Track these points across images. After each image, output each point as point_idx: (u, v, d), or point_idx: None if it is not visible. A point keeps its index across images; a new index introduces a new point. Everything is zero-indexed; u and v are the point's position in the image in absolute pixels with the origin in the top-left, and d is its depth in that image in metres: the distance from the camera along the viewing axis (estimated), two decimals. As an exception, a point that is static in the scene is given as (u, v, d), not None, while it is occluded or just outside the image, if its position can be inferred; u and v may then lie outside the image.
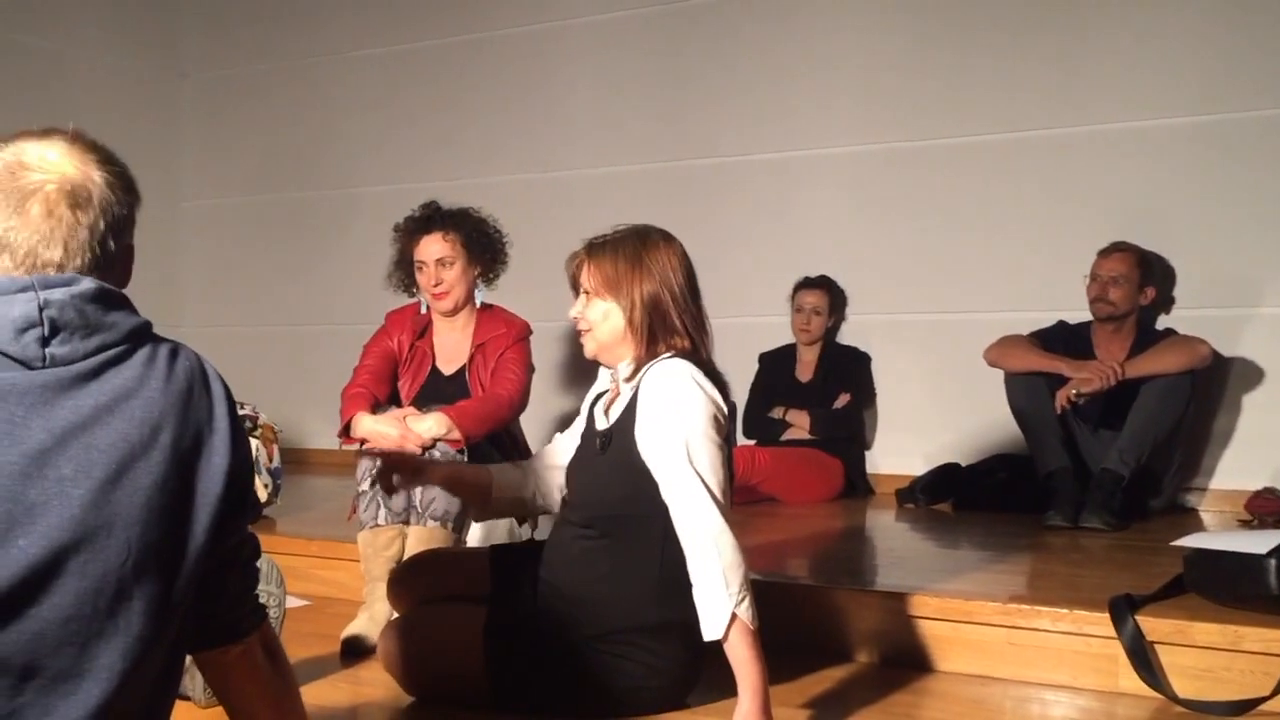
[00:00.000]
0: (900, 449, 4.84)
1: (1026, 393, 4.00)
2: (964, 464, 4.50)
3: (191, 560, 1.36)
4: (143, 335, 1.38)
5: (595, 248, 2.30)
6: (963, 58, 4.79)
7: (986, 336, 4.17)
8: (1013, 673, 2.55)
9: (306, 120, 6.27)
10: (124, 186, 1.42)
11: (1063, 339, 4.16)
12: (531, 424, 3.58)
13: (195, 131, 6.56)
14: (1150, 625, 2.40)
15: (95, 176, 1.38)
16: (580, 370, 5.00)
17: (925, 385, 4.83)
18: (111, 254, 1.39)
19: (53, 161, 1.37)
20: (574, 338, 2.52)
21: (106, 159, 1.41)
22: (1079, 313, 4.25)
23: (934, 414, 4.79)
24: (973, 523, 4.11)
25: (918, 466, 4.60)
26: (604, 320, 2.27)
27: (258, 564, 1.58)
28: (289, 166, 6.29)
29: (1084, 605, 2.53)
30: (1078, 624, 2.49)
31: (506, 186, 5.44)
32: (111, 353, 1.33)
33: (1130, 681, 2.40)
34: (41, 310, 1.29)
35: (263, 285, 6.34)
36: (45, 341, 1.29)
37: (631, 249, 2.27)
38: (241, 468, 1.43)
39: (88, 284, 1.34)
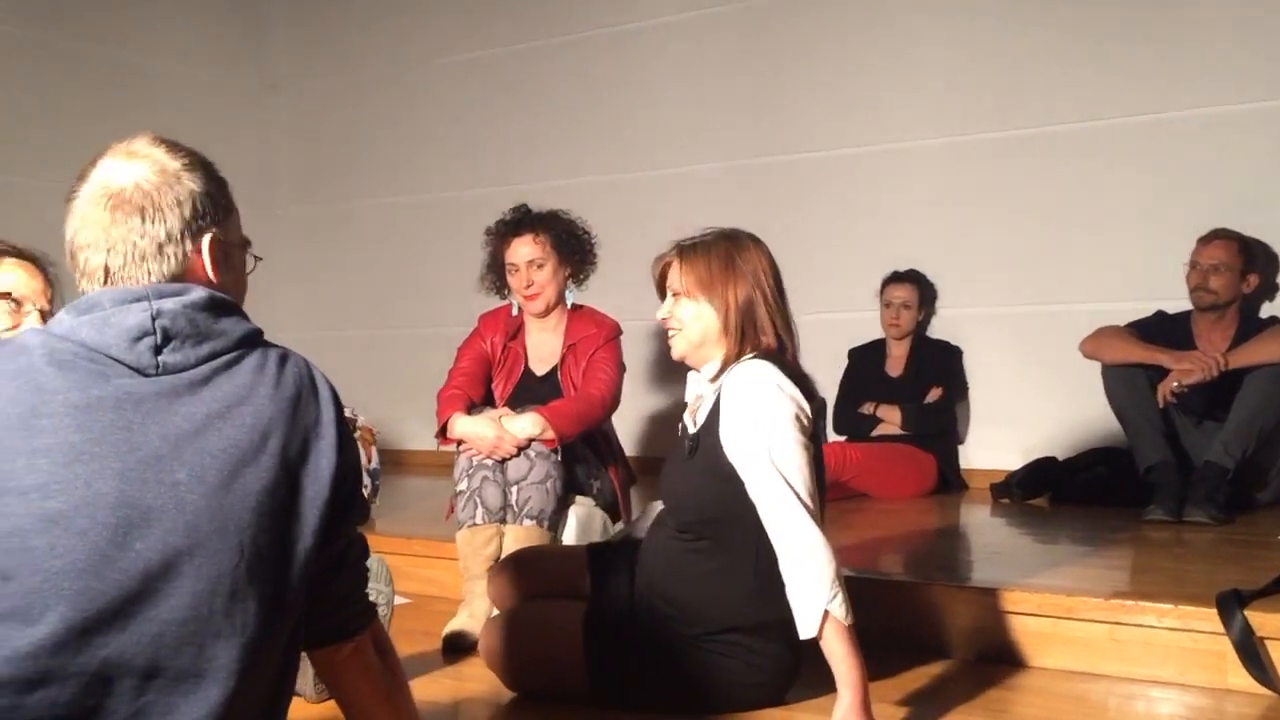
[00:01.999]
0: (994, 443, 4.78)
1: (1126, 385, 3.92)
2: (1061, 458, 4.42)
3: (301, 562, 1.39)
4: (253, 341, 1.42)
5: (686, 249, 2.32)
6: (1052, 43, 4.71)
7: (1082, 328, 4.10)
8: (1116, 669, 2.51)
9: (394, 127, 6.38)
10: (208, 191, 1.43)
11: (1162, 329, 4.07)
12: (621, 422, 3.60)
13: (287, 141, 6.72)
14: (1260, 620, 2.35)
15: (147, 179, 1.39)
16: (668, 368, 5.03)
17: (1020, 378, 4.75)
18: (161, 251, 1.39)
19: (109, 167, 1.40)
20: (662, 335, 2.54)
21: (174, 157, 1.42)
22: (1179, 302, 4.15)
23: (1029, 407, 4.72)
24: (1070, 517, 4.04)
25: (1013, 461, 4.53)
26: (696, 320, 2.28)
27: (367, 564, 1.62)
28: (378, 173, 6.41)
29: (1190, 600, 2.48)
30: (1184, 620, 2.44)
31: (591, 187, 5.49)
32: (222, 359, 1.37)
33: (1240, 678, 2.34)
34: (154, 319, 1.33)
35: (355, 289, 6.47)
36: (158, 350, 1.33)
37: (724, 251, 2.29)
38: (348, 471, 1.46)
39: (199, 293, 1.38)
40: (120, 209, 1.38)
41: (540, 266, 3.32)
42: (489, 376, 3.42)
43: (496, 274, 3.45)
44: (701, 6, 5.48)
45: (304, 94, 6.71)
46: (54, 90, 5.60)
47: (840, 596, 2.04)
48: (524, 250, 3.32)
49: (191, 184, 1.41)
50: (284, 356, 1.44)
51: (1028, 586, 2.69)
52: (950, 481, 4.68)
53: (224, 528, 1.30)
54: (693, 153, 5.47)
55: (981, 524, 4.09)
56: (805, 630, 2.04)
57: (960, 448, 4.84)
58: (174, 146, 1.45)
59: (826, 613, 2.02)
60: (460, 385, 3.32)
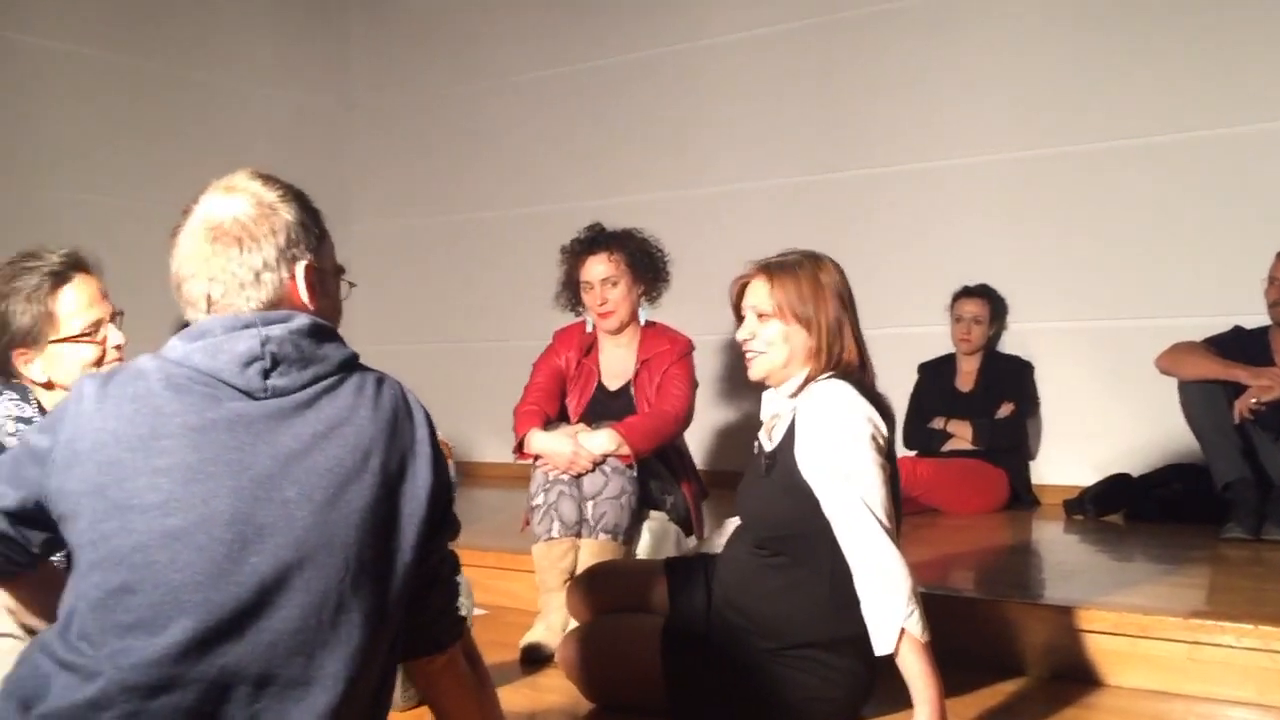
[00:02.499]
0: (1067, 459, 4.75)
1: (1202, 401, 3.87)
2: (1135, 474, 4.39)
3: (401, 576, 1.45)
4: (351, 366, 1.49)
5: (774, 270, 2.31)
6: (1124, 58, 4.68)
7: (1157, 343, 4.06)
8: (1195, 689, 2.50)
9: (468, 144, 6.50)
10: (302, 221, 1.50)
11: (1239, 345, 4.01)
12: (691, 436, 3.63)
13: (363, 158, 6.87)
14: (1342, 642, 2.33)
15: (244, 212, 1.47)
16: (737, 383, 5.06)
17: (1093, 394, 4.72)
18: (290, 282, 1.47)
19: (211, 202, 1.48)
20: (731, 349, 2.56)
21: (270, 189, 1.50)
22: (1256, 317, 4.09)
23: (1103, 423, 4.68)
24: (1146, 535, 4.00)
25: (1086, 477, 4.51)
26: (784, 342, 2.28)
27: (457, 579, 1.68)
28: (452, 189, 6.53)
29: (1270, 620, 2.46)
30: (1265, 640, 2.43)
31: (659, 204, 5.55)
32: (325, 383, 1.44)
33: (1322, 700, 2.33)
34: (263, 345, 1.41)
35: (429, 304, 6.59)
36: (267, 374, 1.40)
37: (810, 271, 2.29)
38: (442, 489, 1.52)
39: (303, 320, 1.45)
40: (219, 240, 1.45)
41: (614, 284, 3.37)
42: (563, 392, 3.48)
43: (571, 291, 3.51)
44: (768, 24, 5.52)
45: (380, 113, 6.85)
46: (144, 112, 5.79)
47: (917, 613, 2.06)
48: (598, 268, 3.37)
49: (286, 214, 1.49)
50: (380, 380, 1.51)
51: (1104, 605, 2.68)
52: (1022, 497, 4.65)
53: (330, 543, 1.37)
54: (760, 169, 5.51)
55: (1055, 541, 4.06)
56: (881, 647, 2.06)
57: (1032, 463, 4.82)
58: (270, 180, 1.52)
59: (903, 630, 2.04)
60: (536, 401, 3.38)
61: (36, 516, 1.42)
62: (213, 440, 1.36)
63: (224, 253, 1.45)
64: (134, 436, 1.35)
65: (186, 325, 2.29)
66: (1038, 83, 4.86)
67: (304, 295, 1.50)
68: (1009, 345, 4.92)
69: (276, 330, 1.42)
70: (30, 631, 1.58)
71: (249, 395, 1.39)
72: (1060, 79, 4.81)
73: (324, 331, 1.48)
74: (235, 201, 1.48)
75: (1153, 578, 3.26)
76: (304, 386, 1.42)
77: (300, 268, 1.49)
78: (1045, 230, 4.85)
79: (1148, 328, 4.41)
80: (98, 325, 2.12)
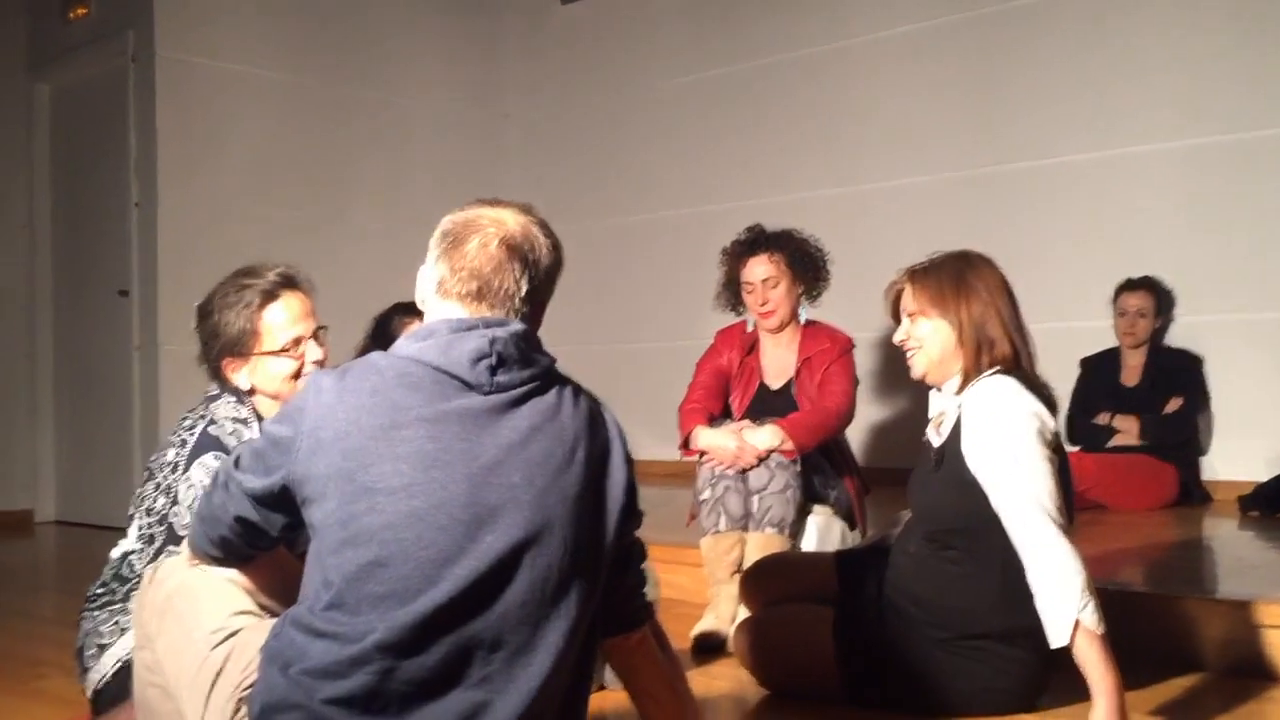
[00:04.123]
0: (1240, 454, 4.61)
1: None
2: (1314, 470, 4.25)
3: (606, 557, 1.60)
4: (554, 372, 1.64)
5: (918, 273, 2.41)
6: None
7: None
8: (1381, 686, 2.44)
9: (619, 150, 6.64)
10: (552, 249, 1.65)
11: None
12: (851, 433, 3.65)
13: (517, 165, 7.07)
14: None
15: (533, 235, 1.63)
16: (896, 380, 5.06)
17: (1268, 387, 4.58)
18: (526, 298, 1.62)
19: (499, 216, 1.63)
20: (889, 345, 2.61)
21: (544, 227, 1.66)
22: None
23: (1278, 417, 4.53)
24: (1326, 531, 3.88)
25: (1260, 472, 4.38)
26: (934, 335, 2.35)
27: (645, 564, 1.80)
28: (607, 194, 6.68)
29: None
30: None
31: (817, 202, 5.59)
32: (536, 384, 1.59)
33: None
34: (491, 344, 1.55)
35: (588, 307, 6.74)
36: (494, 370, 1.55)
37: (953, 269, 2.37)
38: (633, 482, 1.67)
39: (517, 325, 1.60)
40: (513, 253, 1.60)
41: (775, 285, 3.44)
42: (726, 390, 3.56)
43: (732, 292, 3.58)
44: (920, 19, 5.50)
45: (532, 121, 7.06)
46: (314, 130, 6.12)
47: (1091, 606, 2.07)
48: (759, 269, 3.44)
49: (555, 256, 1.66)
50: (577, 387, 1.66)
51: (1284, 600, 2.64)
52: (1192, 493, 4.55)
53: (550, 525, 1.51)
54: (917, 164, 5.50)
55: (1229, 537, 3.97)
56: (1056, 639, 2.08)
57: (1203, 459, 4.70)
58: (542, 222, 1.68)
59: (1078, 622, 2.06)
60: (700, 399, 3.47)
61: (280, 501, 1.58)
62: (446, 430, 1.50)
63: (513, 264, 1.60)
64: (375, 426, 1.50)
65: (378, 333, 2.52)
66: (1207, 67, 4.74)
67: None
68: (1176, 338, 4.81)
69: (500, 332, 1.57)
70: (265, 611, 1.74)
71: (475, 390, 1.54)
72: (1231, 62, 4.68)
73: (535, 339, 1.63)
74: (528, 229, 1.63)
75: (1336, 574, 3.18)
76: (521, 385, 1.57)
77: (544, 301, 1.67)
78: (1214, 220, 4.72)
79: (1326, 318, 4.27)
80: (298, 341, 2.27)
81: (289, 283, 2.30)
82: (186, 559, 1.77)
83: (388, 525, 1.47)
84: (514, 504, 1.50)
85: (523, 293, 1.61)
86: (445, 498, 1.48)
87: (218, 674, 1.62)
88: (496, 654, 1.48)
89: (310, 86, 6.11)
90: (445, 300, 1.61)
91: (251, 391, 2.29)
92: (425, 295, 1.65)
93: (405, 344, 1.59)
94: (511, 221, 1.62)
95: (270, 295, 2.26)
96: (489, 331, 1.56)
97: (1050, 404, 2.28)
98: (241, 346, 2.24)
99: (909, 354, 2.41)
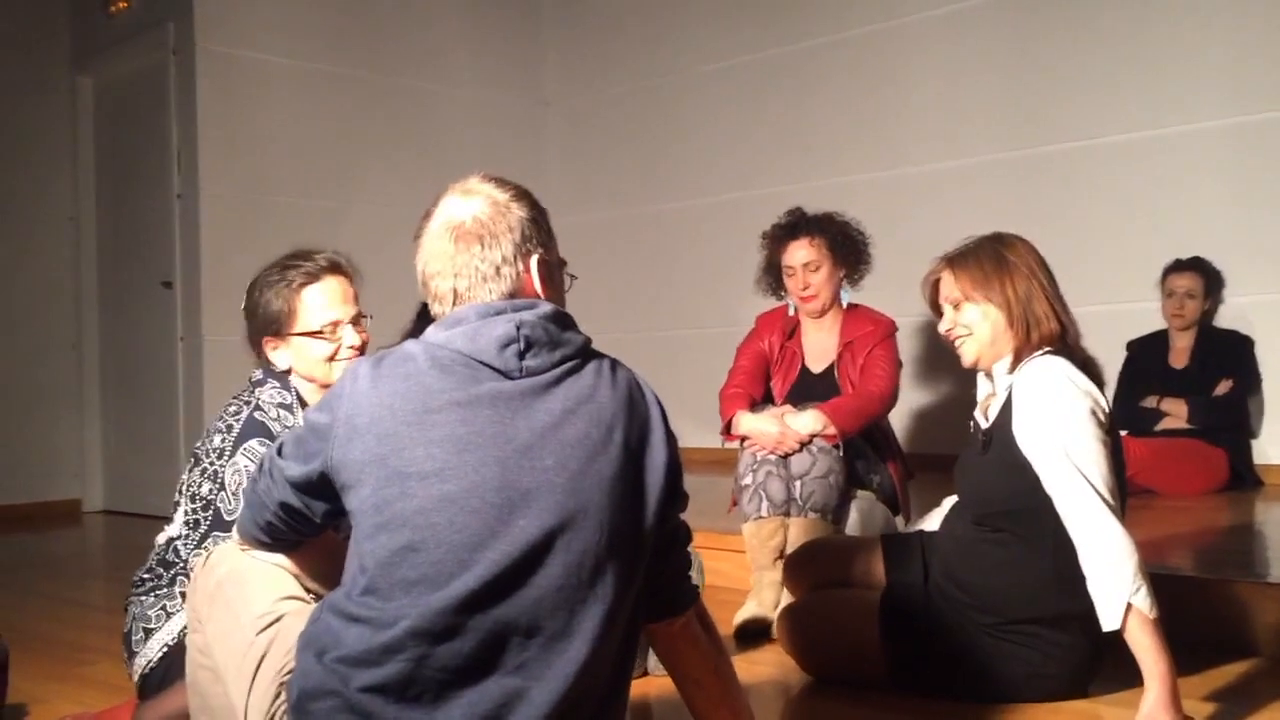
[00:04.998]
0: (1293, 437, 4.53)
1: None
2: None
3: (646, 540, 1.57)
4: (589, 350, 1.61)
5: (955, 259, 2.36)
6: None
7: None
8: None
9: (659, 136, 6.61)
10: (533, 218, 1.61)
11: None
12: (894, 417, 3.62)
13: (558, 153, 7.07)
14: None
15: (481, 212, 1.58)
16: (939, 365, 5.02)
17: (1320, 369, 4.49)
18: (525, 274, 1.59)
19: (448, 206, 1.60)
20: (931, 330, 2.57)
21: (502, 190, 1.61)
22: None
23: (1332, 400, 4.45)
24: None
25: (1315, 456, 4.30)
26: (983, 320, 2.31)
27: (689, 548, 1.78)
28: (647, 180, 6.66)
29: None
30: None
31: (858, 186, 5.54)
32: (569, 365, 1.56)
33: None
34: (518, 329, 1.53)
35: (629, 294, 6.74)
36: (522, 355, 1.53)
37: (991, 250, 2.33)
38: (675, 462, 1.63)
39: (546, 307, 1.57)
40: (462, 239, 1.58)
41: (816, 269, 3.40)
42: (768, 375, 3.53)
43: (773, 276, 3.55)
44: (960, 0, 5.43)
45: (572, 108, 7.05)
46: (353, 119, 6.15)
47: (1144, 589, 2.04)
48: (800, 253, 3.41)
49: (519, 212, 1.61)
50: (614, 364, 1.63)
51: (1340, 584, 2.59)
52: (1244, 477, 4.47)
53: (585, 508, 1.48)
54: (959, 146, 5.43)
55: (1281, 522, 3.90)
56: (1108, 623, 2.05)
57: (1254, 442, 4.61)
58: (501, 181, 1.64)
59: (1130, 605, 2.02)
60: (741, 384, 3.44)
61: (320, 487, 1.58)
62: (477, 414, 1.49)
63: (467, 250, 1.57)
64: (408, 411, 1.49)
65: (422, 318, 2.49)
66: (1254, 44, 4.65)
67: (537, 286, 1.61)
68: (1226, 319, 4.72)
69: (528, 316, 1.54)
70: (314, 595, 1.75)
71: (505, 375, 1.52)
72: (1277, 38, 4.58)
73: (565, 318, 1.59)
74: (473, 203, 1.60)
75: (1394, 559, 3.11)
76: (553, 367, 1.54)
77: (534, 261, 1.61)
78: (1263, 199, 4.63)
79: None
80: (335, 325, 2.27)
81: (334, 267, 2.31)
82: (237, 544, 1.78)
83: (420, 510, 1.45)
84: (547, 487, 1.47)
85: (491, 272, 1.57)
86: (477, 481, 1.46)
87: (261, 658, 1.63)
88: (532, 640, 1.45)
89: (349, 76, 6.13)
90: (434, 302, 1.61)
91: (289, 372, 2.30)
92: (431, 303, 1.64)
93: (435, 331, 1.57)
94: (458, 208, 1.59)
95: (312, 277, 2.27)
96: (516, 315, 1.53)
97: (1099, 380, 2.24)
98: (279, 325, 2.26)
99: (957, 343, 2.37)
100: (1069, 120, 5.11)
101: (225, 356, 5.14)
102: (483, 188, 1.62)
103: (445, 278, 1.58)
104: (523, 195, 1.64)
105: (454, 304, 1.59)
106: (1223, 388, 4.51)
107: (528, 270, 1.60)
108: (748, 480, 3.20)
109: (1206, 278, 4.63)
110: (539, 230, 1.63)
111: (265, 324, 2.28)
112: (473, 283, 1.57)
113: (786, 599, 2.90)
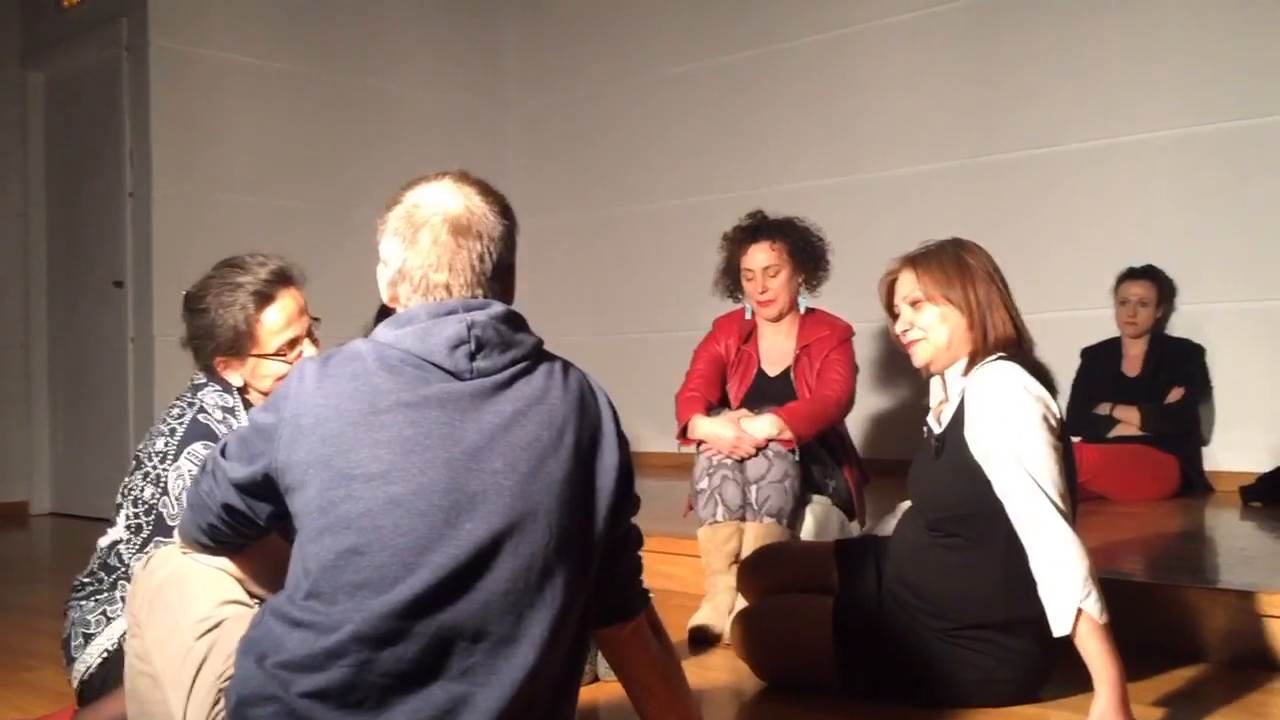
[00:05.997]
0: (1242, 444, 4.59)
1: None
2: (1316, 460, 4.22)
3: (595, 544, 1.55)
4: (541, 351, 1.59)
5: (918, 259, 2.36)
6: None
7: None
8: (1388, 677, 2.42)
9: (619, 139, 6.60)
10: (501, 214, 1.59)
11: None
12: (850, 422, 3.62)
13: (517, 156, 7.04)
14: None
15: (476, 208, 1.57)
16: (896, 370, 5.04)
17: (1270, 376, 4.55)
18: (492, 273, 1.57)
19: (440, 199, 1.57)
20: (887, 334, 2.57)
21: (486, 191, 1.60)
22: None
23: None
24: (1329, 522, 3.85)
25: (1263, 462, 4.35)
26: (941, 323, 2.31)
27: (639, 552, 1.76)
28: (608, 183, 6.65)
29: None
30: None
31: (817, 191, 5.55)
32: (521, 366, 1.54)
33: None
34: (469, 329, 1.50)
35: (588, 298, 6.72)
36: (473, 356, 1.50)
37: (952, 253, 2.34)
38: (627, 465, 1.61)
39: (498, 307, 1.55)
40: (461, 235, 1.54)
41: (775, 274, 3.40)
42: (724, 378, 3.52)
43: (731, 278, 3.54)
44: (921, 7, 5.47)
45: (532, 111, 7.02)
46: (311, 118, 6.09)
47: (1094, 594, 2.04)
48: (760, 257, 3.40)
49: (506, 219, 1.59)
50: (566, 365, 1.61)
51: (1287, 590, 2.61)
52: (1194, 484, 4.52)
53: (534, 511, 1.46)
54: (917, 153, 5.46)
55: (1231, 527, 3.94)
56: (1059, 627, 2.05)
57: (1205, 449, 4.67)
58: (483, 184, 1.61)
59: (1080, 610, 2.02)
60: (698, 388, 3.43)
61: (264, 489, 1.55)
62: (426, 416, 1.46)
63: (466, 245, 1.54)
64: (355, 412, 1.46)
65: (381, 319, 2.43)
66: (1206, 54, 4.71)
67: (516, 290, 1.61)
68: (1178, 328, 4.77)
69: (479, 316, 1.52)
70: (257, 600, 1.71)
71: (455, 376, 1.49)
72: (1231, 49, 4.65)
73: (517, 319, 1.57)
74: (471, 201, 1.57)
75: (1340, 565, 3.15)
76: (504, 368, 1.52)
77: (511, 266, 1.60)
78: (1215, 207, 4.69)
79: (1329, 307, 4.24)
80: (294, 343, 2.23)
81: (283, 279, 2.24)
82: (179, 547, 1.74)
83: (365, 512, 1.42)
84: (495, 490, 1.45)
85: (487, 271, 1.56)
86: (424, 483, 1.43)
87: (201, 664, 1.59)
88: (478, 645, 1.43)
89: (306, 75, 6.08)
90: (413, 294, 1.57)
91: (244, 389, 2.26)
92: (390, 293, 1.60)
93: (385, 330, 1.54)
94: (452, 202, 1.56)
95: (266, 298, 2.20)
96: (467, 316, 1.51)
97: (1051, 387, 2.25)
98: (237, 348, 2.21)
99: (911, 344, 2.36)
100: (1025, 129, 5.16)
101: (177, 357, 5.02)
102: (471, 187, 1.60)
103: (439, 271, 1.54)
104: (504, 200, 1.63)
105: (448, 298, 1.55)
106: (1175, 395, 4.55)
107: (513, 274, 1.61)
108: (703, 484, 3.19)
109: (1159, 286, 4.68)
110: (513, 238, 1.62)
111: (221, 347, 2.21)
112: (467, 280, 1.55)
113: (741, 604, 2.89)
